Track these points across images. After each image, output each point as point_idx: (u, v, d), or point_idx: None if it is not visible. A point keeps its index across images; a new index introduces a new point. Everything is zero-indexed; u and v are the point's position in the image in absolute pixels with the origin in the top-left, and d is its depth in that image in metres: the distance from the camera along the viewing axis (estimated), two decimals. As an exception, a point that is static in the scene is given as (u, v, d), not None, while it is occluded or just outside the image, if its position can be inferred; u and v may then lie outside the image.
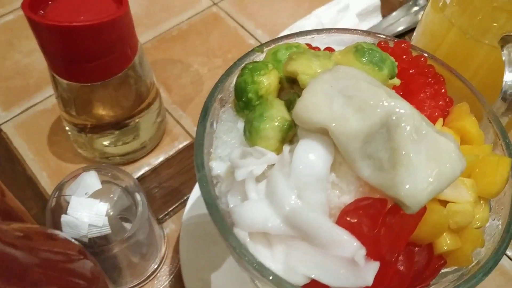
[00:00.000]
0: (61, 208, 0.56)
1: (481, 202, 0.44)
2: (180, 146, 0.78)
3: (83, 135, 0.70)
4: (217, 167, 0.44)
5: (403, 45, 0.50)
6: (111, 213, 0.57)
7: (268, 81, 0.45)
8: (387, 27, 0.93)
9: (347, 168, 0.40)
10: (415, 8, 0.96)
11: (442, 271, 0.43)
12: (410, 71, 0.49)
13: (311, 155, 0.39)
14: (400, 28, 0.94)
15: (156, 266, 0.67)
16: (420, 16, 0.93)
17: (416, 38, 0.71)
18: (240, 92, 0.46)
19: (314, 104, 0.38)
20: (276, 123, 0.42)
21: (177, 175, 0.75)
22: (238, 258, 0.39)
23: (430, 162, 0.36)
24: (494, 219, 0.45)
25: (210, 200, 0.41)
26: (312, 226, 0.38)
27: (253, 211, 0.39)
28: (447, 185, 0.37)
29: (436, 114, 0.48)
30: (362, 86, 0.38)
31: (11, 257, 0.35)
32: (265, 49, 0.50)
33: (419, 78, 0.49)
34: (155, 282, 0.66)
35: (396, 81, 0.45)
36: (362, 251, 0.38)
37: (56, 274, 0.40)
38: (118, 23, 0.59)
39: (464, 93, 0.51)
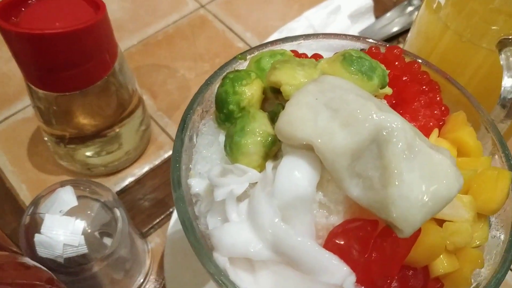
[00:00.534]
0: (35, 226, 0.53)
1: (480, 219, 0.41)
2: (166, 155, 0.75)
3: (62, 146, 0.67)
4: (196, 184, 0.41)
5: (395, 51, 0.47)
6: (89, 230, 0.54)
7: (250, 91, 0.42)
8: (380, 29, 0.91)
9: (335, 186, 0.37)
10: (410, 9, 0.93)
11: (440, 294, 0.40)
12: (403, 79, 0.47)
13: (295, 172, 0.36)
14: (395, 30, 0.91)
15: (141, 281, 0.64)
16: (415, 16, 0.90)
17: (410, 41, 0.69)
18: (221, 103, 0.43)
19: (297, 118, 0.35)
20: (259, 138, 0.39)
21: (163, 186, 0.72)
22: (217, 285, 0.36)
23: (424, 181, 0.33)
24: (494, 237, 0.42)
25: (187, 223, 0.38)
26: (297, 251, 0.35)
27: (233, 235, 0.36)
28: (443, 206, 0.34)
29: (431, 124, 0.45)
30: (350, 98, 0.35)
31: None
32: (248, 57, 0.47)
33: (412, 85, 0.46)
34: (140, 298, 0.64)
35: (388, 90, 0.43)
36: (352, 277, 0.35)
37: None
38: (95, 29, 0.56)
39: (461, 100, 0.48)
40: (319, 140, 0.35)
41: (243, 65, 0.48)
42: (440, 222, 0.39)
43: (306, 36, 0.49)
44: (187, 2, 0.95)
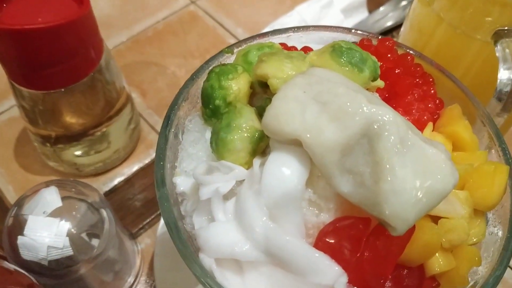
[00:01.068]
0: (19, 228, 0.51)
1: (477, 215, 0.40)
2: (156, 154, 0.74)
3: (49, 146, 0.66)
4: (181, 183, 0.40)
5: (387, 43, 0.46)
6: (75, 231, 0.52)
7: (237, 86, 0.40)
8: (374, 23, 0.89)
9: (326, 183, 0.35)
10: (404, 3, 0.91)
11: (436, 293, 0.39)
12: (396, 71, 0.45)
13: (283, 169, 0.35)
14: (389, 24, 0.89)
15: (131, 283, 0.63)
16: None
17: (403, 35, 0.67)
18: (206, 98, 0.41)
19: (285, 112, 0.34)
20: (245, 134, 0.37)
21: (152, 186, 0.70)
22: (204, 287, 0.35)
23: (418, 176, 0.32)
24: (491, 234, 0.41)
25: (171, 223, 0.36)
26: (286, 251, 0.34)
27: (219, 235, 0.35)
28: (438, 202, 0.32)
29: (425, 117, 0.44)
30: (339, 91, 0.33)
31: None
32: (235, 50, 0.46)
33: (405, 78, 0.45)
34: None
35: (380, 83, 0.41)
36: (344, 278, 0.34)
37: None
38: (79, 24, 0.54)
39: (455, 93, 0.47)
40: (308, 135, 0.33)
41: (230, 59, 0.46)
42: (435, 219, 0.38)
43: (296, 29, 0.48)
44: (177, -3, 0.93)
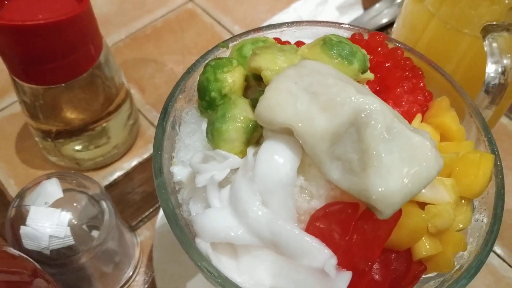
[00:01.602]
0: (21, 218, 0.52)
1: (463, 202, 0.41)
2: (154, 149, 0.75)
3: (50, 141, 0.67)
4: (178, 172, 0.41)
5: (377, 37, 0.47)
6: (75, 222, 0.53)
7: (232, 78, 0.42)
8: (369, 20, 0.90)
9: (317, 170, 0.37)
10: (399, 0, 0.93)
11: (423, 277, 0.40)
12: (386, 65, 0.47)
13: (276, 157, 0.36)
14: (384, 21, 0.90)
15: (130, 274, 0.64)
16: (402, 8, 0.90)
17: (396, 31, 0.69)
18: (202, 90, 0.42)
19: (277, 103, 0.35)
20: (240, 124, 0.39)
21: (151, 180, 0.71)
22: (200, 271, 0.36)
23: (403, 163, 0.33)
24: (477, 220, 0.42)
25: (168, 210, 0.38)
26: (278, 235, 0.35)
27: (215, 220, 0.36)
28: (422, 187, 0.34)
29: (414, 109, 0.45)
30: (329, 82, 0.35)
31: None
32: (230, 45, 0.47)
33: (395, 71, 0.46)
34: (130, 290, 0.64)
35: (370, 75, 0.43)
36: (333, 260, 0.35)
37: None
38: (78, 20, 0.55)
39: (444, 86, 0.48)
40: (299, 125, 0.35)
41: (225, 53, 0.47)
42: (422, 205, 0.39)
43: (289, 24, 0.49)
44: (175, -5, 0.95)
